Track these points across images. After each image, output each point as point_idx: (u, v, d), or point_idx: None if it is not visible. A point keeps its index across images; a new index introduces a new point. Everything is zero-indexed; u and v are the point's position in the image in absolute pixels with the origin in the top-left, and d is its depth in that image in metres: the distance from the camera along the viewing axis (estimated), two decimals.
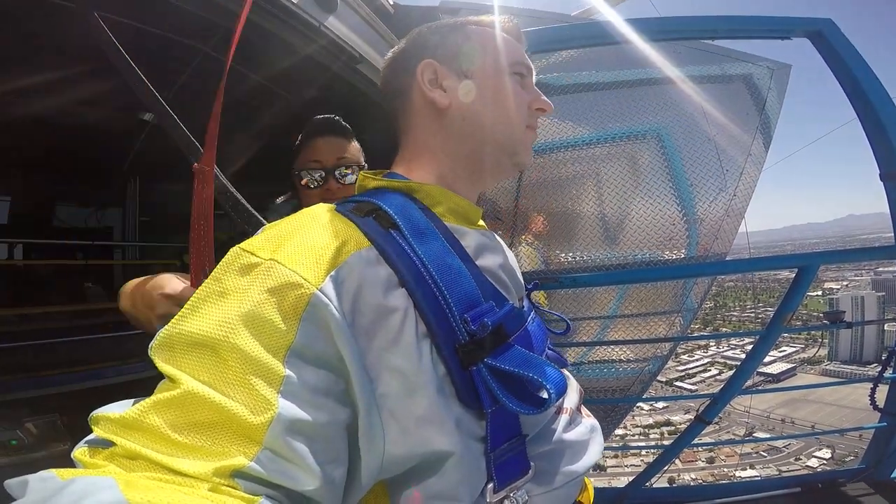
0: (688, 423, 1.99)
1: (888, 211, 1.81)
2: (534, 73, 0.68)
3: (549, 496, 0.52)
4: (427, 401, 0.43)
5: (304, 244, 0.44)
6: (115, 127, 3.57)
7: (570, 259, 2.13)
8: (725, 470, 40.16)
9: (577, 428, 0.60)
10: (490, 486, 0.47)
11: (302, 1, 1.36)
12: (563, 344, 2.20)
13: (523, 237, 2.18)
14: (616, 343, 2.13)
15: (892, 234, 1.77)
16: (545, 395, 0.45)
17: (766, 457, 42.33)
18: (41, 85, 2.84)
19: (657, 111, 2.10)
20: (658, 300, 2.17)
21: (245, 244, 0.45)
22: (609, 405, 2.21)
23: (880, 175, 1.83)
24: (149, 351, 0.40)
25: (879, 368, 1.79)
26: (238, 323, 0.39)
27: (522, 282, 0.68)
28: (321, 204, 0.54)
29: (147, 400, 0.37)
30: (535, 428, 0.52)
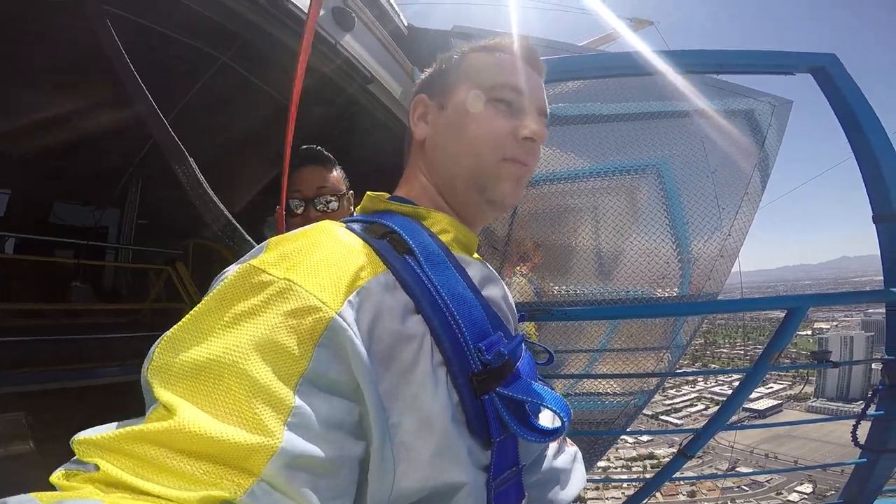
0: (671, 457, 1.98)
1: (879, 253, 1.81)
2: (534, 97, 0.61)
3: None
4: (442, 431, 0.42)
5: (321, 264, 0.42)
6: (123, 130, 3.58)
7: (563, 292, 2.13)
8: None
9: (563, 456, 0.61)
10: None
11: (321, 18, 1.38)
12: (551, 375, 2.19)
13: (517, 268, 2.18)
14: (603, 376, 2.12)
15: (882, 278, 1.79)
16: (557, 423, 0.46)
17: (747, 491, 41.95)
18: (52, 85, 2.85)
19: (658, 145, 2.11)
20: (648, 336, 2.17)
21: (256, 261, 0.42)
22: (593, 437, 2.19)
23: (873, 217, 1.83)
24: (143, 372, 0.37)
25: (863, 405, 1.81)
26: (247, 348, 0.37)
27: (516, 312, 0.68)
28: (330, 221, 0.52)
29: (138, 426, 0.34)
30: (530, 456, 0.53)
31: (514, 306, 0.65)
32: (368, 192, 0.63)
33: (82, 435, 0.34)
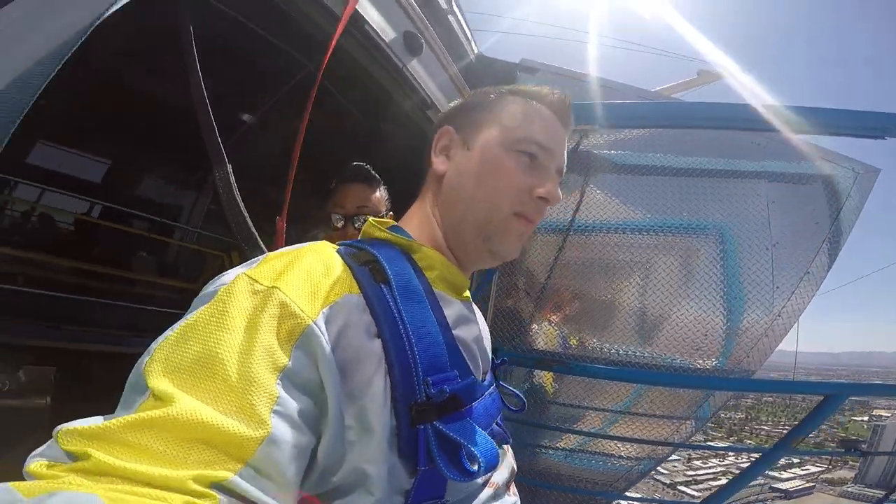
0: None
1: None
2: (556, 156, 0.62)
3: None
4: (375, 444, 0.45)
5: (304, 277, 0.48)
6: (216, 118, 3.88)
7: (596, 347, 2.05)
8: None
9: (498, 502, 0.60)
10: None
11: (392, 40, 1.44)
12: (561, 429, 2.13)
13: (549, 315, 2.13)
14: (610, 438, 2.03)
15: None
16: (475, 467, 0.47)
17: None
18: (161, 68, 3.10)
19: (720, 207, 1.98)
20: (674, 403, 2.05)
21: (250, 272, 0.48)
22: (585, 497, 2.09)
23: None
24: (140, 367, 0.40)
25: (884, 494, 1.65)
26: (238, 343, 0.41)
27: (490, 356, 0.69)
28: (325, 242, 0.57)
29: (131, 416, 0.36)
30: (457, 495, 0.52)
31: (488, 350, 0.67)
32: (371, 219, 0.65)
33: (70, 425, 0.36)
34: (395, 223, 0.66)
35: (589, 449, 2.12)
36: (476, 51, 2.36)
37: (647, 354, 1.96)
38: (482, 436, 0.50)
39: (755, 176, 2.00)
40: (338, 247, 0.56)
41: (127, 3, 0.78)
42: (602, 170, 2.12)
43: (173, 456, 0.35)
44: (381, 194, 1.38)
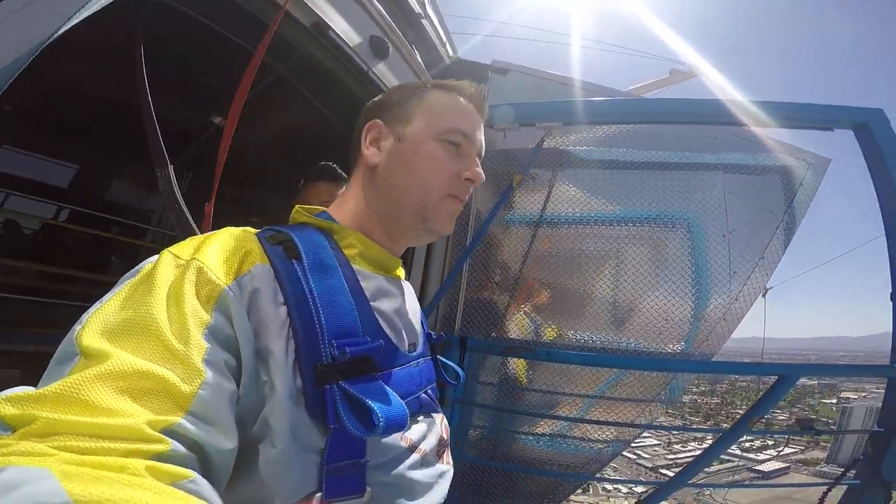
0: None
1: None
2: (476, 142, 0.69)
3: None
4: (280, 402, 0.49)
5: (219, 251, 0.53)
6: (182, 121, 3.83)
7: (571, 336, 2.14)
8: None
9: (426, 470, 0.63)
10: (318, 495, 0.50)
11: (358, 45, 1.48)
12: (536, 414, 2.20)
13: (522, 305, 2.20)
14: (584, 421, 2.11)
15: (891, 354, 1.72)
16: (378, 423, 0.50)
17: None
18: (121, 72, 3.07)
19: (679, 198, 2.09)
20: (646, 388, 2.12)
21: (172, 248, 0.53)
22: (557, 479, 2.17)
23: (891, 294, 1.73)
24: (71, 336, 0.42)
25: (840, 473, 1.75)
26: (165, 305, 0.45)
27: (419, 329, 0.74)
28: (246, 228, 0.62)
29: (72, 376, 0.37)
30: (378, 457, 0.56)
31: (415, 323, 0.72)
32: (298, 206, 0.70)
33: (4, 393, 0.35)
34: (325, 209, 0.72)
35: (563, 434, 2.19)
36: (452, 54, 2.42)
37: (618, 341, 2.05)
38: (391, 397, 0.54)
39: (713, 168, 2.11)
40: (256, 230, 0.61)
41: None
42: (569, 165, 2.21)
43: (119, 408, 0.36)
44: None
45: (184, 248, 0.53)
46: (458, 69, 2.33)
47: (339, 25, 1.41)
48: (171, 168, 1.17)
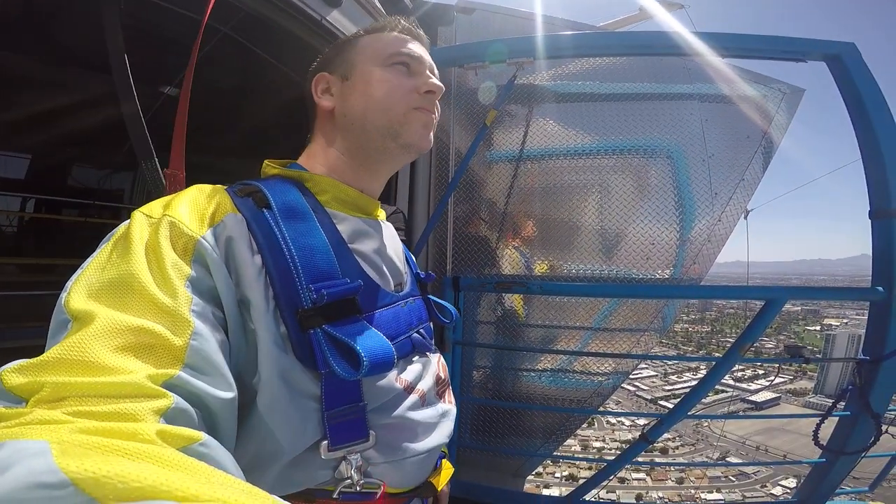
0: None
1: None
2: (424, 60, 0.71)
3: (390, 466, 0.57)
4: (264, 347, 0.49)
5: (190, 206, 0.53)
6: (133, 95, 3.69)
7: (563, 268, 2.16)
8: (693, 491, 40.58)
9: (427, 410, 0.64)
10: (325, 443, 0.52)
11: None
12: (536, 350, 2.25)
13: (511, 240, 2.21)
14: (582, 354, 2.16)
15: (872, 276, 1.75)
16: (363, 363, 0.51)
17: (734, 481, 42.76)
18: (64, 50, 2.89)
19: (657, 127, 2.11)
20: (640, 317, 2.17)
21: (142, 208, 0.52)
22: (564, 414, 2.24)
23: (869, 212, 1.78)
24: (60, 304, 0.42)
25: (831, 404, 1.81)
26: (144, 261, 0.45)
27: (404, 269, 0.74)
28: (215, 185, 0.61)
29: (67, 339, 0.37)
30: (376, 400, 0.57)
31: (398, 262, 0.72)
32: (266, 161, 0.71)
33: (9, 366, 0.35)
34: (294, 161, 0.72)
35: (565, 369, 2.25)
36: None
37: (608, 270, 2.09)
38: (376, 336, 0.54)
39: (688, 97, 2.13)
40: (225, 186, 0.61)
41: None
42: (544, 100, 2.19)
43: (119, 365, 0.36)
44: None
45: (153, 206, 0.53)
46: (422, 12, 2.23)
47: None
48: (156, 159, 1.13)
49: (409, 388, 0.62)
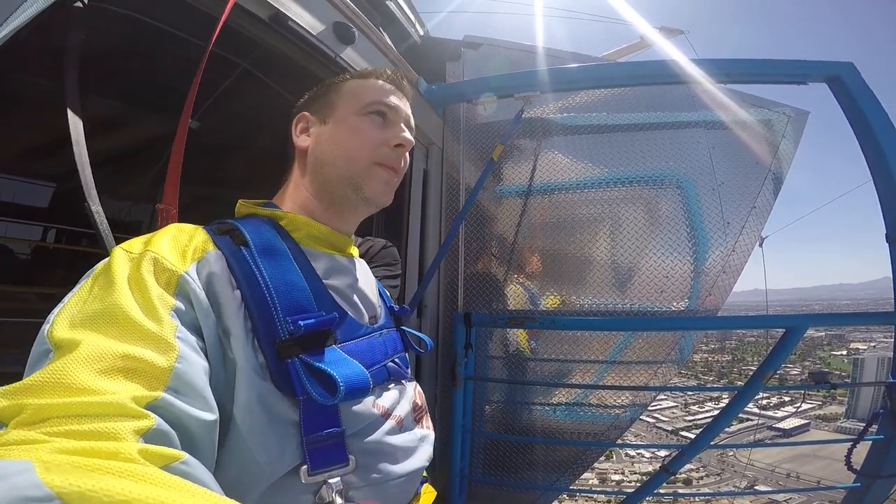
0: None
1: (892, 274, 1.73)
2: (401, 112, 0.73)
3: (371, 490, 0.58)
4: (243, 375, 0.51)
5: (170, 242, 0.55)
6: (155, 129, 3.82)
7: (575, 302, 2.14)
8: None
9: (404, 434, 0.66)
10: (304, 467, 0.53)
11: (321, 33, 1.47)
12: (548, 384, 2.20)
13: (518, 275, 2.21)
14: (596, 387, 2.11)
15: (894, 299, 1.72)
16: (339, 388, 0.53)
17: None
18: (90, 85, 3.03)
19: (664, 156, 2.11)
20: (656, 349, 2.13)
21: (122, 245, 0.54)
22: (581, 448, 2.17)
23: (886, 236, 1.75)
24: (42, 335, 0.42)
25: (862, 428, 1.75)
26: (129, 292, 0.46)
27: (377, 302, 0.77)
28: (193, 224, 0.64)
29: (50, 364, 0.37)
30: (354, 425, 0.58)
31: (371, 296, 0.75)
32: (240, 200, 0.73)
33: None
34: (268, 200, 0.75)
35: (580, 402, 2.20)
36: (421, 32, 2.39)
37: (622, 304, 2.06)
38: (351, 364, 0.57)
39: (694, 125, 2.13)
40: (203, 225, 0.63)
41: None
42: (552, 133, 2.21)
43: (102, 387, 0.36)
44: None
45: (133, 244, 0.55)
46: (429, 47, 2.31)
47: (299, 15, 1.39)
48: (99, 205, 1.13)
49: (386, 414, 0.64)
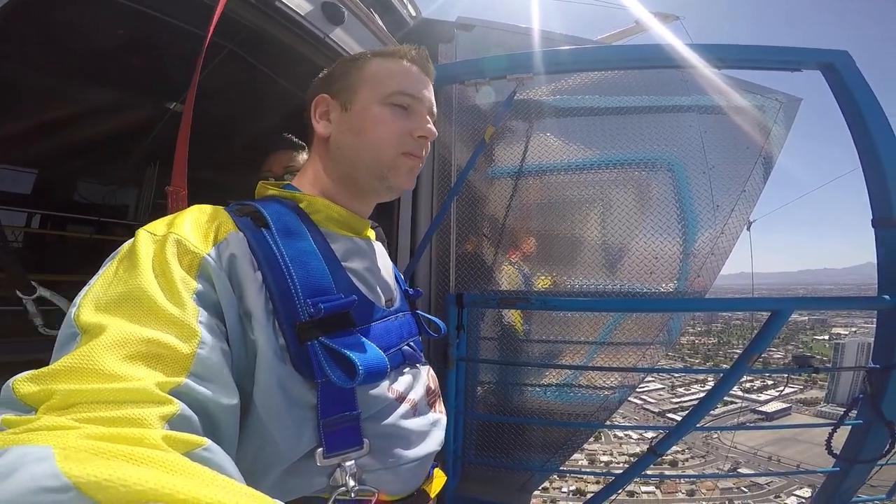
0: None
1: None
2: (425, 101, 0.71)
3: (385, 473, 0.59)
4: (263, 357, 0.52)
5: (192, 224, 0.55)
6: (139, 111, 3.74)
7: (565, 283, 2.15)
8: (704, 503, 39.93)
9: (418, 419, 0.67)
10: (320, 450, 0.54)
11: (310, 13, 1.45)
12: (539, 365, 2.23)
13: (511, 256, 2.22)
14: (586, 368, 2.14)
15: (878, 284, 1.74)
16: (359, 372, 0.53)
17: (746, 493, 42.04)
18: (71, 69, 2.95)
19: (655, 139, 2.11)
20: (645, 331, 2.16)
21: (145, 227, 0.55)
22: (571, 429, 2.21)
23: (872, 221, 1.78)
24: (69, 318, 0.43)
25: (842, 413, 1.79)
26: (152, 275, 0.47)
27: (393, 285, 0.77)
28: (215, 206, 0.64)
29: (76, 349, 0.38)
30: (370, 408, 0.59)
31: (388, 279, 0.75)
32: (261, 182, 0.73)
33: (21, 376, 0.36)
34: (288, 182, 0.74)
35: (570, 383, 2.23)
36: (413, 14, 2.35)
37: (612, 285, 2.07)
38: (370, 347, 0.57)
39: (686, 110, 2.14)
40: (223, 207, 0.63)
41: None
42: (544, 115, 2.20)
43: (128, 373, 0.38)
44: (306, 155, 1.45)
45: (157, 225, 0.55)
46: (423, 29, 2.27)
47: None
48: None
49: (401, 398, 0.65)
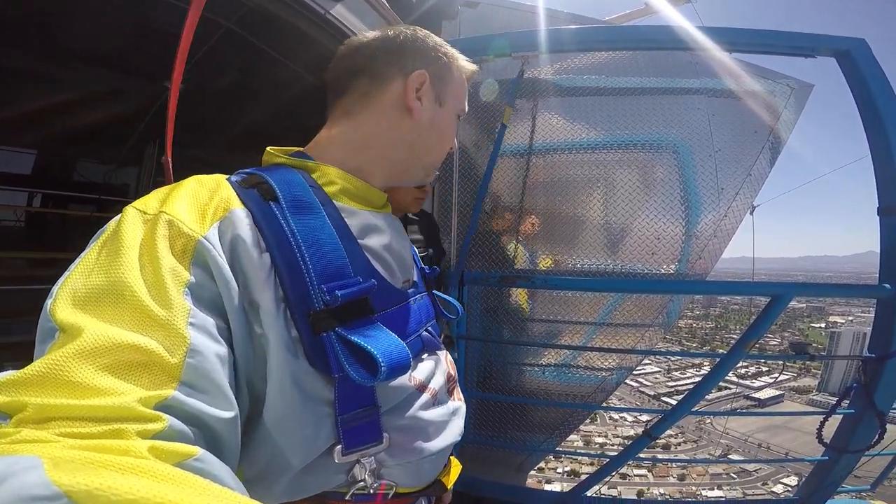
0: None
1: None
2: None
3: (403, 468, 0.56)
4: (273, 352, 0.46)
5: (188, 200, 0.48)
6: (137, 91, 3.68)
7: (567, 263, 2.16)
8: (694, 488, 40.74)
9: (438, 409, 0.63)
10: (338, 447, 0.51)
11: None
12: (540, 344, 2.24)
13: (517, 235, 2.22)
14: (584, 349, 2.15)
15: (879, 273, 1.74)
16: (381, 367, 0.48)
17: (735, 479, 42.92)
18: (70, 48, 2.90)
19: (664, 121, 2.09)
20: (645, 313, 2.17)
21: (135, 203, 0.48)
22: (568, 410, 2.24)
23: (878, 209, 1.77)
24: (45, 310, 0.39)
25: (835, 402, 1.80)
26: (137, 265, 0.41)
27: (411, 263, 0.71)
28: (216, 175, 0.57)
29: (49, 356, 0.34)
30: (390, 401, 0.55)
31: (407, 258, 0.69)
32: (268, 148, 0.66)
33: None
34: (300, 149, 0.66)
35: (568, 364, 2.25)
36: None
37: (613, 265, 2.08)
38: (391, 339, 0.51)
39: (695, 92, 2.11)
40: (227, 176, 0.57)
41: None
42: (550, 94, 2.17)
43: (107, 386, 0.34)
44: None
45: (149, 201, 0.48)
46: (427, 6, 2.22)
47: None
48: None
49: (422, 388, 0.61)
